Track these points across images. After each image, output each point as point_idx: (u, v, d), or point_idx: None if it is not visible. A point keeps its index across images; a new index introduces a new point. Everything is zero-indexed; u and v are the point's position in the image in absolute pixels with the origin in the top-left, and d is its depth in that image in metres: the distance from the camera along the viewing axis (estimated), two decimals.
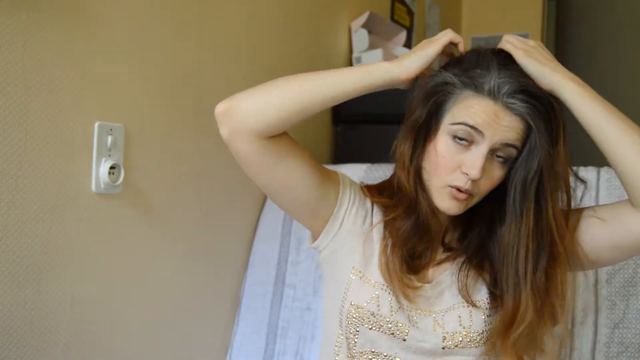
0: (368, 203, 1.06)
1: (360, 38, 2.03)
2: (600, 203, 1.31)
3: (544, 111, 0.93)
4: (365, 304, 0.98)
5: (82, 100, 1.10)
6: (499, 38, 1.00)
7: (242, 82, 1.52)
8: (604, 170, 1.34)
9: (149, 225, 1.26)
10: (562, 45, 3.92)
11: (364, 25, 2.03)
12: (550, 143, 0.94)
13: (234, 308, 1.52)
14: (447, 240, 1.05)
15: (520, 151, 0.95)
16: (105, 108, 1.14)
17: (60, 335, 1.08)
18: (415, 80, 0.97)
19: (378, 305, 0.98)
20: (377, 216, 1.05)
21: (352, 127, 1.89)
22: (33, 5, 1.00)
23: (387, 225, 1.02)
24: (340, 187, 1.03)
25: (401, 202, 1.01)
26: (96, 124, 1.12)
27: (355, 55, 2.04)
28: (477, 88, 0.93)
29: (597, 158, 1.04)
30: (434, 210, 1.00)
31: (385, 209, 1.04)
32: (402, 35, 2.24)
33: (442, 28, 0.96)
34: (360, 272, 1.01)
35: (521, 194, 0.96)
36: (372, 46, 2.05)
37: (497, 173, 0.96)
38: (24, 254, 1.01)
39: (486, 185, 0.96)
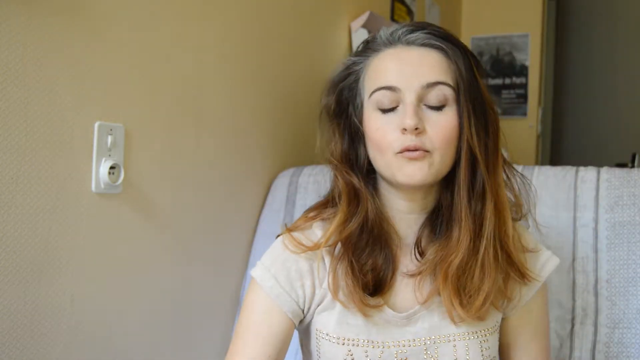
0: (309, 278, 0.95)
1: (360, 38, 2.03)
2: (600, 202, 1.30)
3: (450, 38, 0.91)
4: None
5: (82, 100, 1.09)
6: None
7: (242, 82, 1.53)
8: (604, 170, 1.34)
9: (149, 225, 1.26)
10: (562, 45, 3.93)
11: (364, 25, 2.03)
12: (467, 67, 0.90)
13: (234, 308, 1.52)
14: (423, 245, 0.95)
15: (457, 90, 0.89)
16: (105, 108, 1.14)
17: (60, 335, 1.08)
18: None
19: None
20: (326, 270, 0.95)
21: None
22: (32, 5, 1.00)
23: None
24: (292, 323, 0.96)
25: (345, 208, 0.93)
26: (96, 124, 1.12)
27: None
28: (377, 49, 0.94)
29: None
30: (396, 211, 0.95)
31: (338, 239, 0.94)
32: None
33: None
34: (327, 334, 0.94)
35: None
36: None
37: (445, 120, 0.88)
38: (24, 254, 1.01)
39: (439, 137, 0.88)
